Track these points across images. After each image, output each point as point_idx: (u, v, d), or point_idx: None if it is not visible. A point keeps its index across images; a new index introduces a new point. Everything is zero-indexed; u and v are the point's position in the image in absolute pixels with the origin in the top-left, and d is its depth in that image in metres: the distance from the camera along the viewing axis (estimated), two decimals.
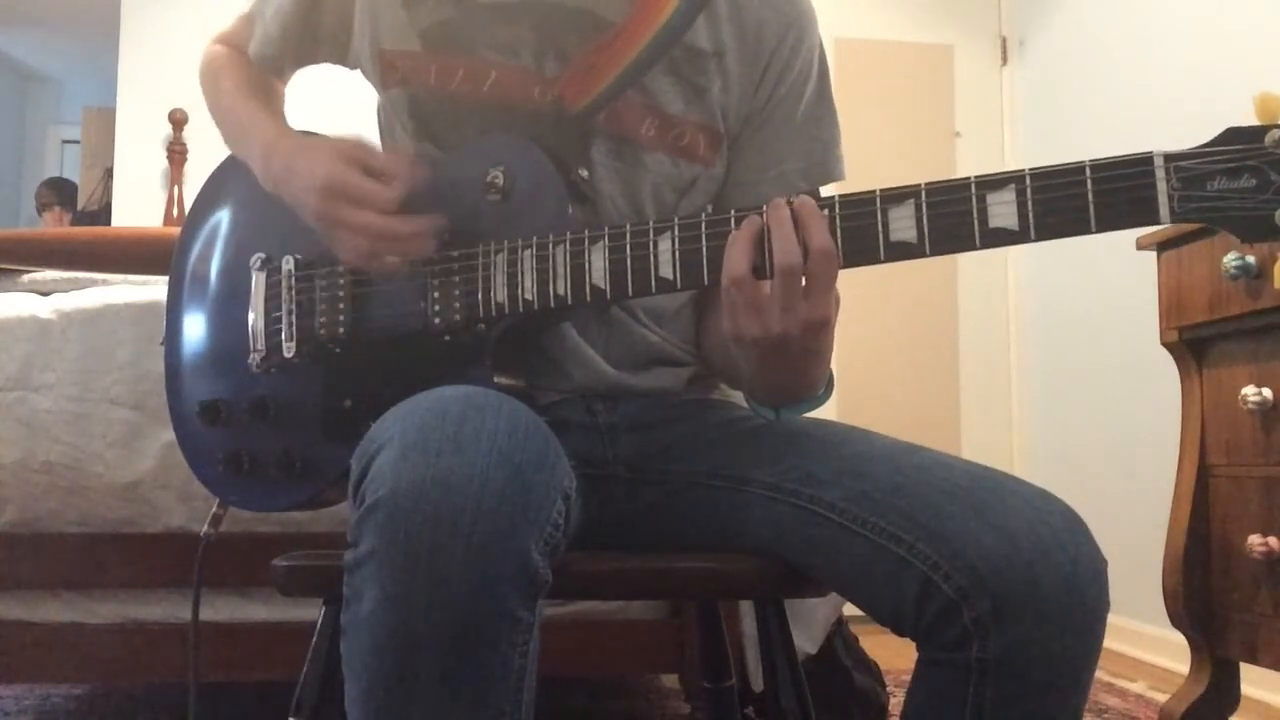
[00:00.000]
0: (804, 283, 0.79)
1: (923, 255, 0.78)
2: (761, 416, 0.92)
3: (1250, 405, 1.64)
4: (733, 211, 0.84)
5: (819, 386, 0.89)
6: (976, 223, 0.76)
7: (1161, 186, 0.72)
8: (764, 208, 0.82)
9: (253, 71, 1.14)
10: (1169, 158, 0.72)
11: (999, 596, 0.73)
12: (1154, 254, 1.88)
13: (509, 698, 0.69)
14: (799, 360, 0.83)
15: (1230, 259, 1.62)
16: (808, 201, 0.80)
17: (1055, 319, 3.46)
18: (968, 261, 3.67)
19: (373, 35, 1.03)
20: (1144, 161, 0.72)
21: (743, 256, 0.80)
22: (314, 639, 0.91)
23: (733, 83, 1.01)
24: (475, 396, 0.75)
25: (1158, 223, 0.73)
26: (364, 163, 0.92)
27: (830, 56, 1.06)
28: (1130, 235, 1.87)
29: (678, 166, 1.01)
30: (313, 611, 0.91)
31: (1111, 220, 0.73)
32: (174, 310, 1.11)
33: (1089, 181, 0.73)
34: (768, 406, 0.91)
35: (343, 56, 1.09)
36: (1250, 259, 1.60)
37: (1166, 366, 1.89)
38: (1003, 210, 0.76)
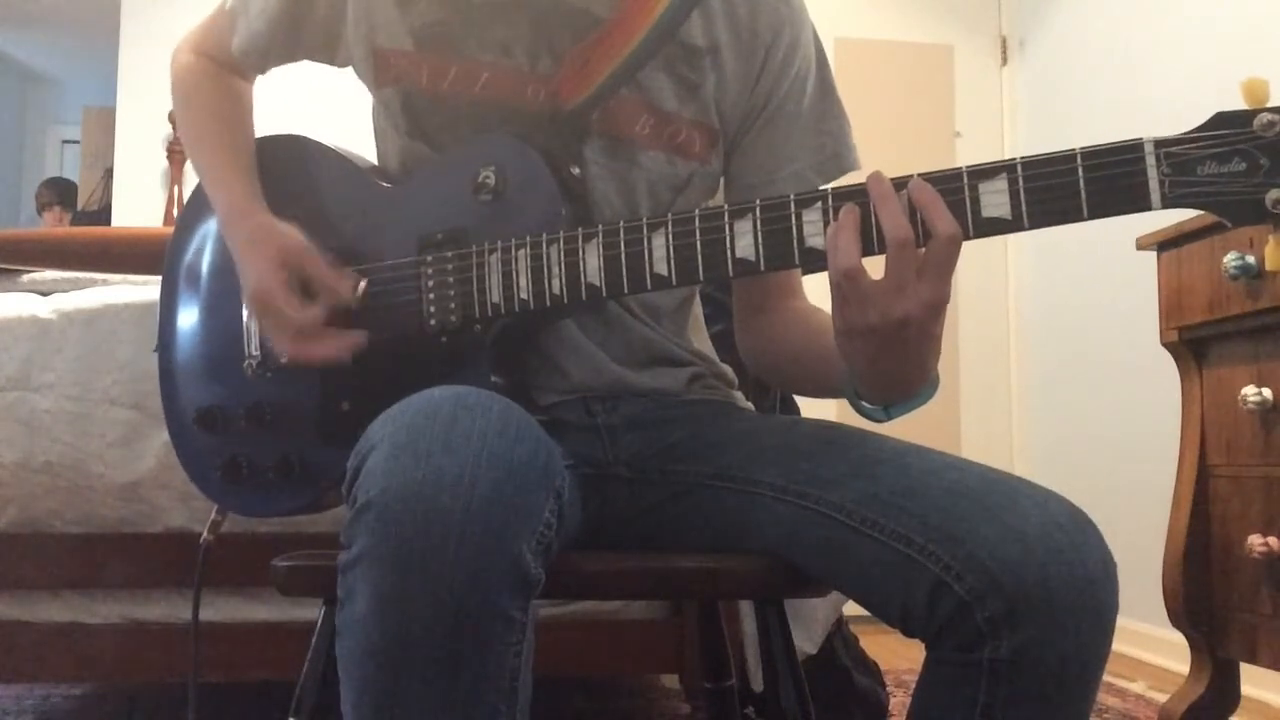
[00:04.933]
0: (923, 264, 0.77)
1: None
2: (870, 419, 0.88)
3: (1250, 405, 1.64)
4: (725, 206, 0.83)
5: (932, 373, 0.85)
6: (970, 213, 0.76)
7: (1152, 173, 0.72)
8: (825, 189, 0.81)
9: (224, 96, 1.11)
10: (1159, 144, 0.72)
11: (1013, 597, 0.73)
12: (1154, 254, 1.87)
13: (503, 697, 0.69)
14: (918, 345, 0.80)
15: (1230, 259, 1.61)
16: (923, 185, 0.78)
17: (1055, 319, 3.46)
18: (967, 261, 3.62)
19: (368, 34, 1.02)
20: (1134, 148, 0.73)
21: (851, 246, 0.78)
22: (314, 639, 0.90)
23: (728, 79, 1.01)
24: (466, 396, 0.75)
25: (1150, 209, 0.73)
26: (300, 273, 0.95)
27: (830, 56, 1.06)
28: (1130, 235, 1.88)
29: (673, 164, 1.00)
30: (313, 611, 0.91)
31: (1103, 207, 0.73)
32: (167, 316, 1.10)
33: (1080, 169, 0.73)
34: (879, 406, 0.87)
35: (331, 55, 1.07)
36: (1250, 259, 1.60)
37: (1166, 366, 1.89)
38: (995, 199, 0.76)
